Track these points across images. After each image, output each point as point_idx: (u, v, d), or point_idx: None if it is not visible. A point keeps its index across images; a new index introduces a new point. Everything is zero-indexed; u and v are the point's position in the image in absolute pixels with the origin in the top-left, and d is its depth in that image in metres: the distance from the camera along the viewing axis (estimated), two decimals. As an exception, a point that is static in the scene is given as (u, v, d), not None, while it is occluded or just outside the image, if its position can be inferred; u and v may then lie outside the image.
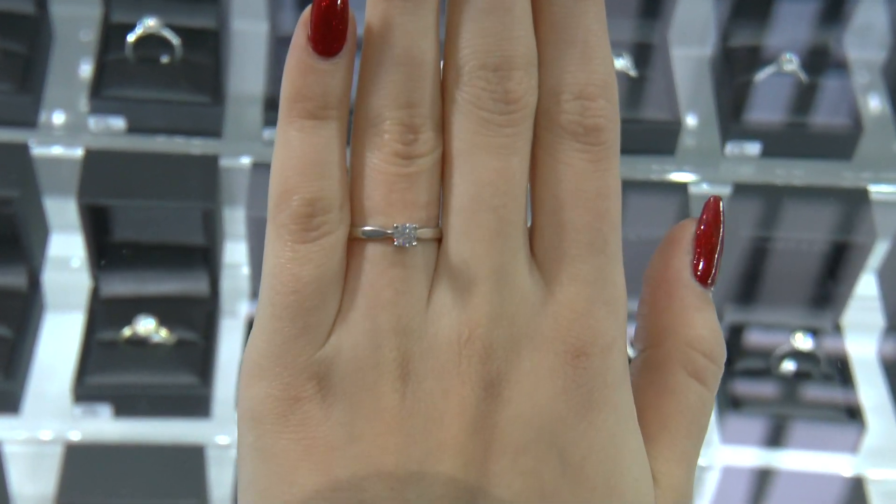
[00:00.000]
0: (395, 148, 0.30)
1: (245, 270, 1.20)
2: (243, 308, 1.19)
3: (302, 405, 0.30)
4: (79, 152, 1.11)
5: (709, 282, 0.32)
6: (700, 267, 0.32)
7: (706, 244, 0.32)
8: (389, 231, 0.30)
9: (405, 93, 0.30)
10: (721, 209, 0.33)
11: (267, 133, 1.14)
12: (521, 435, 0.30)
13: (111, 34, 1.14)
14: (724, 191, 1.15)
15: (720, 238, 0.32)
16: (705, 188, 1.16)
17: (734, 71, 1.18)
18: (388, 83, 0.30)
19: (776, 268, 1.20)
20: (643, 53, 1.18)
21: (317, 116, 0.30)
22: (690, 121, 1.20)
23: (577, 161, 0.31)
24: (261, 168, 1.13)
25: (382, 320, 0.30)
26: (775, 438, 1.17)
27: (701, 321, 0.32)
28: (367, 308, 0.30)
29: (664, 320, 0.33)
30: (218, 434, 1.15)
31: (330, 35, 0.30)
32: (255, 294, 1.17)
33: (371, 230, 0.30)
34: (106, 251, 1.16)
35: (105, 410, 1.13)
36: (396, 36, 0.30)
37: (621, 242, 0.31)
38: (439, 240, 0.31)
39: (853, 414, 1.16)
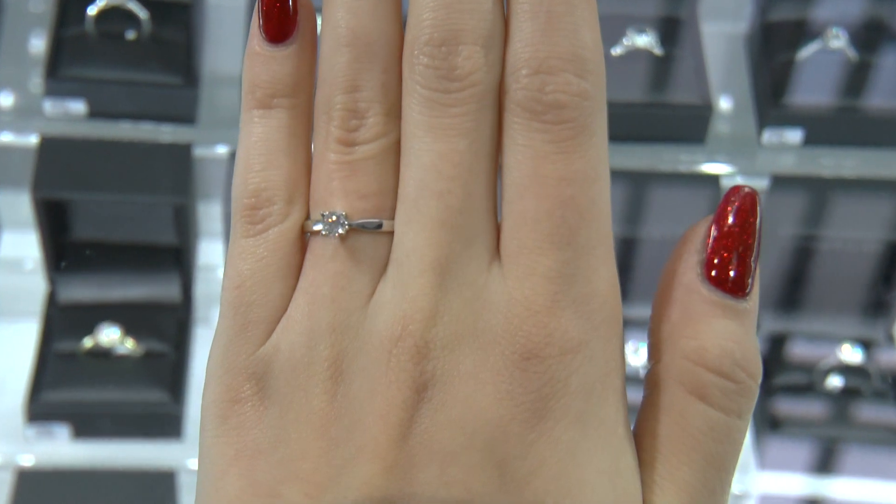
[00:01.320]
0: (339, 134, 0.31)
1: (222, 273, 1.06)
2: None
3: (239, 407, 0.31)
4: (33, 139, 1.10)
5: (729, 285, 0.31)
6: (714, 268, 0.31)
7: (732, 242, 0.31)
8: (319, 221, 0.31)
9: (350, 75, 0.31)
10: (755, 200, 0.31)
11: None
12: (450, 441, 0.29)
13: (69, 5, 1.11)
14: (762, 184, 1.12)
15: (754, 235, 0.31)
16: (740, 181, 1.13)
17: (773, 48, 1.15)
18: (335, 66, 0.31)
19: (821, 271, 1.18)
20: (670, 29, 1.15)
21: (266, 105, 0.31)
22: (723, 104, 1.17)
23: (537, 143, 0.30)
24: None
25: (319, 317, 0.31)
26: (820, 464, 1.14)
27: (708, 331, 0.31)
28: (306, 305, 0.31)
29: (665, 331, 0.32)
30: (191, 457, 1.11)
31: (279, 20, 0.31)
32: None
33: (315, 221, 0.31)
34: (64, 252, 1.14)
35: (62, 431, 1.11)
36: (341, 16, 0.31)
37: (604, 235, 0.30)
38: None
39: (909, 436, 1.14)
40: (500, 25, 0.30)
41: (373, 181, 0.31)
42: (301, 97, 0.32)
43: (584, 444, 0.30)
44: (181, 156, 1.10)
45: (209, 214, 1.17)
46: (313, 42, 0.31)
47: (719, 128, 1.16)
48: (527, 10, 0.30)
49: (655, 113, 1.11)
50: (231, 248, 0.32)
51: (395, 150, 0.31)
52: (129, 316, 1.12)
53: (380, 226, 0.31)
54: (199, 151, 1.11)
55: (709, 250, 0.31)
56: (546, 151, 0.30)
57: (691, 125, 1.13)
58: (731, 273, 0.31)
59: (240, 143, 0.32)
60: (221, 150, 1.12)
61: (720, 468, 0.31)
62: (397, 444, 0.30)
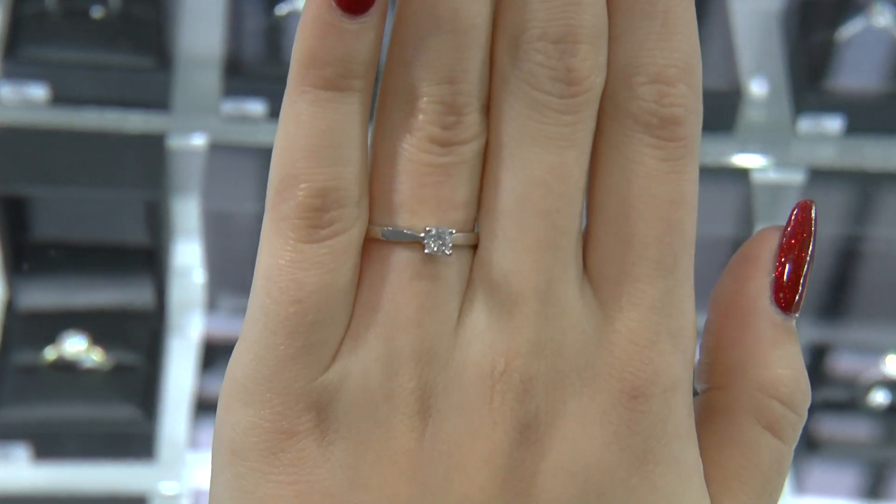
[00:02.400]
0: (432, 132, 0.30)
1: (199, 277, 1.17)
2: (196, 324, 1.15)
3: (296, 441, 0.30)
4: (-13, 128, 1.09)
5: (793, 308, 0.31)
6: (783, 290, 0.31)
7: (792, 262, 0.31)
8: (420, 234, 0.30)
9: (449, 64, 0.29)
10: (812, 216, 0.32)
11: (227, 105, 1.10)
12: (561, 491, 0.30)
13: (28, -21, 1.11)
14: (797, 177, 1.11)
15: (810, 254, 0.32)
16: (772, 176, 1.12)
17: (811, 26, 1.14)
18: (429, 51, 0.29)
19: (864, 275, 1.18)
20: (695, 5, 1.04)
21: (337, 87, 0.29)
22: (754, 89, 1.15)
23: (649, 159, 0.30)
24: (219, 150, 1.10)
25: (401, 343, 0.30)
26: (864, 488, 1.13)
27: (780, 359, 0.31)
28: (383, 327, 0.30)
29: (733, 356, 0.32)
30: (163, 480, 1.09)
31: None
32: (212, 306, 1.15)
33: (395, 231, 0.30)
34: (24, 253, 1.14)
35: (21, 452, 1.09)
36: None
37: (693, 262, 0.31)
38: (475, 247, 0.30)
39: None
40: (606, 19, 0.30)
41: (466, 189, 0.30)
42: (370, 80, 0.30)
43: (679, 488, 0.31)
44: (153, 146, 1.09)
45: (185, 211, 1.15)
46: (386, 14, 0.30)
47: (750, 115, 1.14)
48: (644, 9, 0.30)
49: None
50: (280, 253, 0.29)
51: (483, 154, 0.30)
52: (97, 324, 1.10)
53: (475, 243, 0.30)
54: (173, 141, 1.10)
55: (779, 272, 0.32)
56: (657, 170, 0.30)
57: (719, 112, 1.11)
58: (797, 296, 0.32)
59: (291, 129, 0.30)
60: (198, 139, 1.10)
61: (776, 499, 0.32)
62: (503, 491, 0.30)
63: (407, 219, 0.30)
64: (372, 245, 0.30)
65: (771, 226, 0.33)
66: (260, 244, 0.30)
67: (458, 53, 0.30)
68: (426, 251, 0.30)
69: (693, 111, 0.30)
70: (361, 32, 0.29)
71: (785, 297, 0.31)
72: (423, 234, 0.30)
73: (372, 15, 0.29)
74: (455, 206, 0.30)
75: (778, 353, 0.32)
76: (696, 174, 0.30)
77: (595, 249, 0.30)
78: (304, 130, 0.30)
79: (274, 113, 1.06)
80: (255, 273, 0.30)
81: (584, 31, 0.29)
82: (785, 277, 0.31)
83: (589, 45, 0.29)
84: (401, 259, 0.30)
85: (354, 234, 0.30)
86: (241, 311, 1.12)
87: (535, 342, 0.30)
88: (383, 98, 0.30)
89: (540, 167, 0.30)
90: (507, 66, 0.30)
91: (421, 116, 0.30)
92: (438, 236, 0.30)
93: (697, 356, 0.32)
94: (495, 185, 0.30)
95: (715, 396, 0.32)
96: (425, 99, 0.30)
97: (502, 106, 0.30)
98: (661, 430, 0.30)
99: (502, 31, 0.30)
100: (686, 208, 0.30)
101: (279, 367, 0.30)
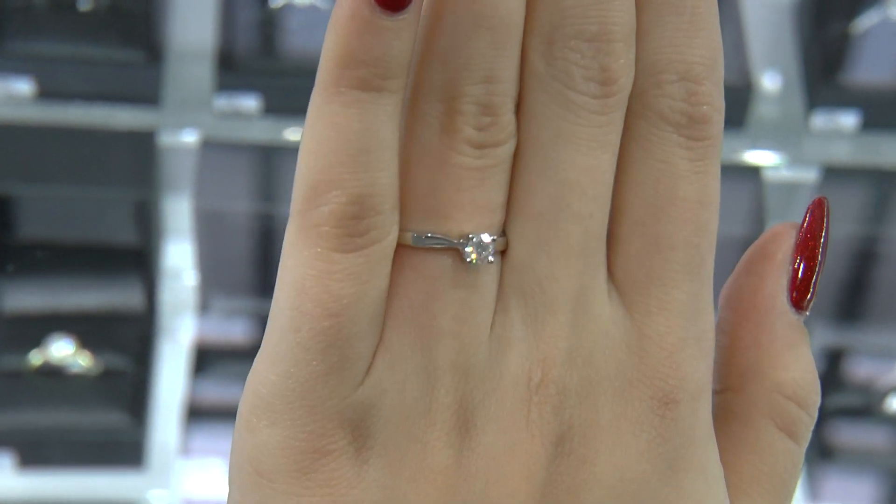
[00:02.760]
0: (469, 134, 0.29)
1: (190, 278, 1.16)
2: (187, 327, 1.14)
3: (330, 460, 0.29)
4: (-28, 125, 1.10)
5: (806, 308, 0.32)
6: (798, 289, 0.32)
7: (808, 261, 0.32)
8: (456, 241, 0.29)
9: (487, 63, 0.29)
10: (826, 212, 0.32)
11: (220, 101, 1.08)
12: (597, 503, 0.30)
13: (13, -30, 1.11)
14: (810, 175, 1.10)
15: (822, 250, 0.32)
16: (785, 174, 1.11)
17: (826, 17, 1.13)
18: (467, 49, 0.29)
19: (881, 277, 1.18)
20: None
21: (374, 87, 0.29)
22: (766, 83, 1.14)
23: (677, 159, 0.30)
24: (212, 147, 1.08)
25: (438, 355, 0.29)
26: (880, 497, 1.13)
27: (795, 360, 0.32)
28: (419, 338, 0.30)
29: (749, 357, 0.32)
30: (153, 488, 1.09)
31: None
32: (204, 308, 1.14)
33: (432, 238, 0.30)
34: (9, 254, 1.14)
35: (5, 460, 1.08)
36: None
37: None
38: (504, 251, 0.30)
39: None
40: (635, 16, 0.30)
41: (500, 192, 0.30)
42: (405, 80, 0.30)
43: (706, 494, 0.31)
44: (143, 143, 1.09)
45: (176, 210, 1.14)
46: (421, 11, 0.30)
47: (762, 110, 1.13)
48: (672, 3, 0.30)
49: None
50: (312, 263, 0.29)
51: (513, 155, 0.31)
52: (84, 328, 1.10)
53: (505, 247, 0.30)
54: (163, 138, 1.09)
55: (794, 270, 0.32)
56: (685, 170, 0.30)
57: (729, 108, 1.04)
58: (809, 295, 0.32)
59: (324, 132, 0.29)
60: (189, 136, 1.09)
61: (790, 502, 0.33)
62: None
63: (443, 224, 0.30)
64: (403, 251, 0.30)
65: (785, 223, 0.33)
66: (284, 253, 0.30)
67: (496, 51, 0.29)
68: (467, 260, 0.30)
69: (718, 109, 0.30)
70: (400, 30, 0.29)
71: (800, 296, 0.32)
72: (461, 241, 0.30)
73: (410, 12, 0.29)
74: (490, 210, 0.30)
75: (794, 354, 0.32)
76: (718, 173, 0.31)
77: (621, 252, 0.31)
78: (339, 133, 0.29)
79: (269, 108, 1.06)
80: (278, 284, 0.30)
81: (618, 29, 0.29)
82: (800, 276, 0.32)
83: (622, 44, 0.29)
84: (435, 267, 0.30)
85: (389, 243, 0.30)
86: (235, 313, 1.15)
87: (569, 351, 0.30)
88: (416, 97, 0.30)
89: (574, 169, 0.30)
90: (540, 64, 0.30)
91: (458, 118, 0.29)
92: (480, 244, 0.30)
93: None
94: (528, 188, 0.30)
95: (730, 399, 0.32)
96: (462, 99, 0.29)
97: (535, 106, 0.30)
98: (690, 436, 0.30)
99: (535, 28, 0.30)
100: (712, 209, 0.30)
101: (311, 385, 0.29)
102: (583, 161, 0.30)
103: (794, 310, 0.32)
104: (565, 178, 0.30)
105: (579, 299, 0.30)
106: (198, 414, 1.07)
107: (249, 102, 1.06)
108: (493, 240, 0.30)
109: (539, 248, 0.30)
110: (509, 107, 0.30)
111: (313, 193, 0.29)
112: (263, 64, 1.07)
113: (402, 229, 0.30)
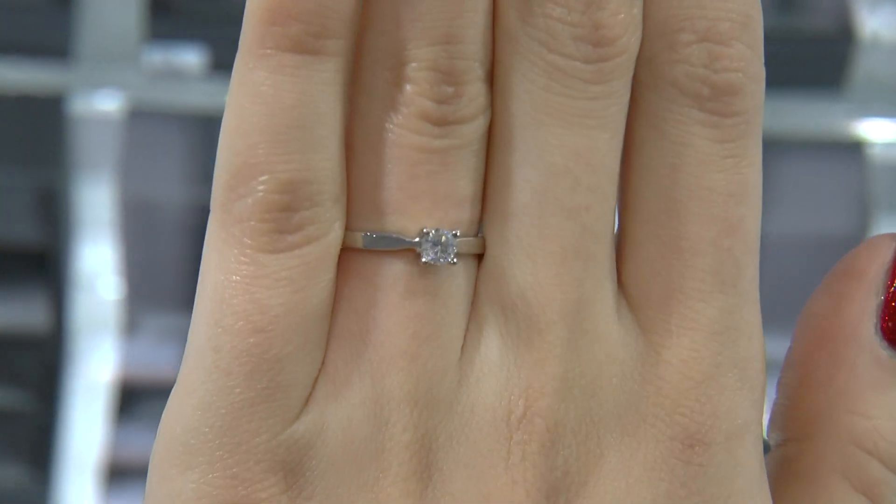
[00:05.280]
0: (424, 107, 0.27)
1: (111, 290, 1.03)
2: (107, 354, 1.02)
3: None
4: None
5: None
6: (892, 318, 0.30)
7: None
8: (413, 240, 0.28)
9: (445, 20, 0.28)
10: None
11: (151, 54, 0.98)
12: None
13: None
14: None
15: None
16: None
17: None
18: (417, 3, 0.28)
19: None
20: None
21: (308, 49, 0.27)
22: (872, 26, 1.00)
23: (699, 140, 0.28)
24: (140, 116, 0.97)
25: (393, 383, 0.28)
26: None
27: (880, 405, 0.29)
28: (369, 362, 0.28)
29: (821, 399, 0.30)
30: None
31: None
32: (130, 329, 1.03)
33: (382, 237, 0.28)
34: None
35: None
36: None
37: (758, 272, 0.29)
38: (480, 256, 0.29)
39: None
40: None
41: (470, 182, 0.28)
42: (350, 42, 0.28)
43: None
44: (48, 111, 0.99)
45: (92, 200, 1.01)
46: None
47: (867, 66, 0.99)
48: None
49: (771, 48, 0.92)
50: (233, 267, 0.28)
51: (487, 137, 0.29)
52: None
53: (482, 251, 0.29)
54: (76, 103, 0.97)
55: (889, 293, 0.30)
56: (710, 154, 0.28)
57: (822, 64, 0.99)
58: None
59: (247, 105, 0.28)
60: (111, 101, 0.96)
61: None
62: None
63: (395, 221, 0.28)
64: (350, 256, 0.29)
65: (885, 234, 0.31)
66: (204, 256, 0.29)
67: (455, 6, 0.28)
68: (423, 260, 0.28)
69: (754, 77, 0.28)
70: None
71: (893, 326, 0.30)
72: (417, 240, 0.28)
73: None
74: (456, 202, 0.28)
75: (878, 398, 0.30)
76: (758, 158, 0.29)
77: (633, 258, 0.29)
78: (265, 106, 0.28)
79: (215, 65, 0.96)
80: (198, 293, 0.29)
81: None
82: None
83: None
84: (389, 272, 0.28)
85: (331, 242, 0.28)
86: (172, 335, 1.03)
87: (563, 379, 0.28)
88: (360, 66, 0.29)
89: (562, 153, 0.28)
90: (515, 23, 0.28)
91: (409, 87, 0.28)
92: (438, 241, 0.28)
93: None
94: (506, 177, 0.28)
95: (794, 450, 0.30)
96: (414, 64, 0.27)
97: (511, 75, 0.28)
98: (728, 488, 0.28)
99: None
100: (749, 204, 0.28)
101: (235, 418, 0.28)
102: (573, 142, 0.28)
103: (883, 342, 0.29)
104: (551, 164, 0.28)
105: (577, 314, 0.28)
106: (120, 472, 0.98)
107: (189, 57, 0.97)
108: (455, 235, 0.28)
109: (521, 250, 0.28)
110: (477, 74, 0.28)
111: (235, 181, 0.28)
112: (208, 7, 0.98)
113: (348, 229, 0.28)
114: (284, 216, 0.27)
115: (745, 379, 0.28)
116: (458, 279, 0.28)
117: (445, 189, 0.28)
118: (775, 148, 0.98)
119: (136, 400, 1.00)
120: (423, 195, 0.27)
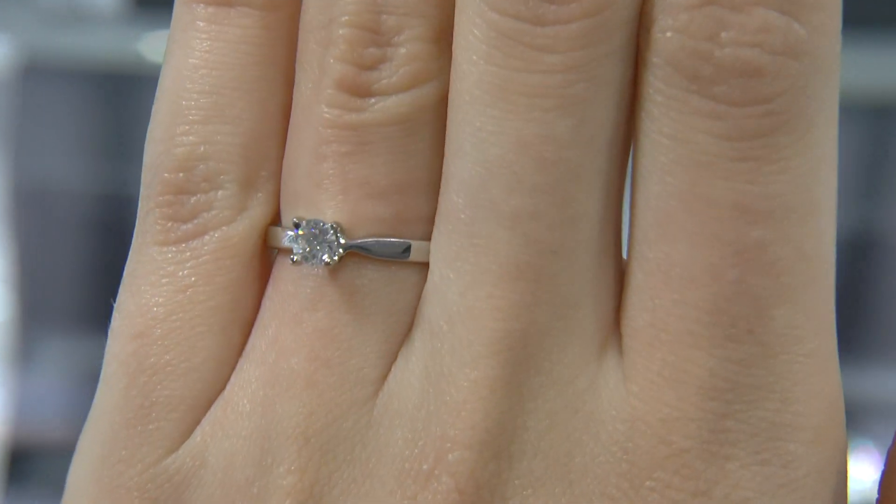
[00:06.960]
0: (340, 72, 0.25)
1: (6, 303, 1.02)
2: None
3: None
4: None
5: None
6: None
7: None
8: (286, 232, 0.27)
9: None
10: None
11: None
12: None
13: None
14: None
15: None
16: None
17: None
18: None
19: None
20: None
21: (224, 0, 0.27)
22: None
23: (699, 135, 0.24)
24: (38, 73, 0.87)
25: (283, 413, 0.25)
26: None
27: None
28: (262, 386, 0.26)
29: None
30: None
31: None
32: (25, 359, 0.94)
33: (281, 231, 0.27)
34: None
35: None
36: None
37: (823, 315, 0.25)
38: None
39: None
40: None
41: (398, 167, 0.25)
42: None
43: None
44: None
45: None
46: None
47: None
48: None
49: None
50: (135, 263, 0.26)
51: (443, 111, 0.26)
52: None
53: (406, 250, 0.26)
54: None
55: None
56: (714, 155, 0.24)
57: None
58: None
59: (179, 62, 0.27)
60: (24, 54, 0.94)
61: None
62: None
63: (304, 213, 0.26)
64: (277, 256, 0.27)
65: None
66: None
67: None
68: (291, 258, 0.26)
69: (789, 51, 0.24)
70: None
71: None
72: (290, 233, 0.27)
73: None
74: (377, 193, 0.25)
75: None
76: (806, 162, 0.24)
77: (626, 285, 0.26)
78: (171, 68, 0.27)
79: (129, 6, 0.86)
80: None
81: None
82: None
83: None
84: (291, 278, 0.26)
85: (238, 232, 0.26)
86: (76, 367, 0.89)
87: (485, 430, 0.25)
88: (299, 28, 0.27)
89: (500, 142, 0.25)
90: None
91: (329, 50, 0.25)
92: (310, 235, 0.25)
93: None
94: (446, 170, 0.26)
95: None
96: (340, 22, 0.25)
97: (457, 39, 0.25)
98: None
99: None
100: (775, 222, 0.24)
101: (107, 447, 0.26)
102: (517, 128, 0.24)
103: None
104: (491, 157, 0.25)
105: (518, 349, 0.25)
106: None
107: (102, -1, 0.96)
108: (333, 227, 0.25)
109: (455, 260, 0.25)
110: (416, 32, 0.25)
111: (156, 158, 0.26)
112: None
113: (272, 222, 0.27)
114: (176, 200, 0.25)
115: (772, 458, 0.24)
116: (379, 290, 0.25)
117: (359, 176, 0.25)
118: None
119: (31, 459, 0.85)
120: (328, 181, 0.25)
